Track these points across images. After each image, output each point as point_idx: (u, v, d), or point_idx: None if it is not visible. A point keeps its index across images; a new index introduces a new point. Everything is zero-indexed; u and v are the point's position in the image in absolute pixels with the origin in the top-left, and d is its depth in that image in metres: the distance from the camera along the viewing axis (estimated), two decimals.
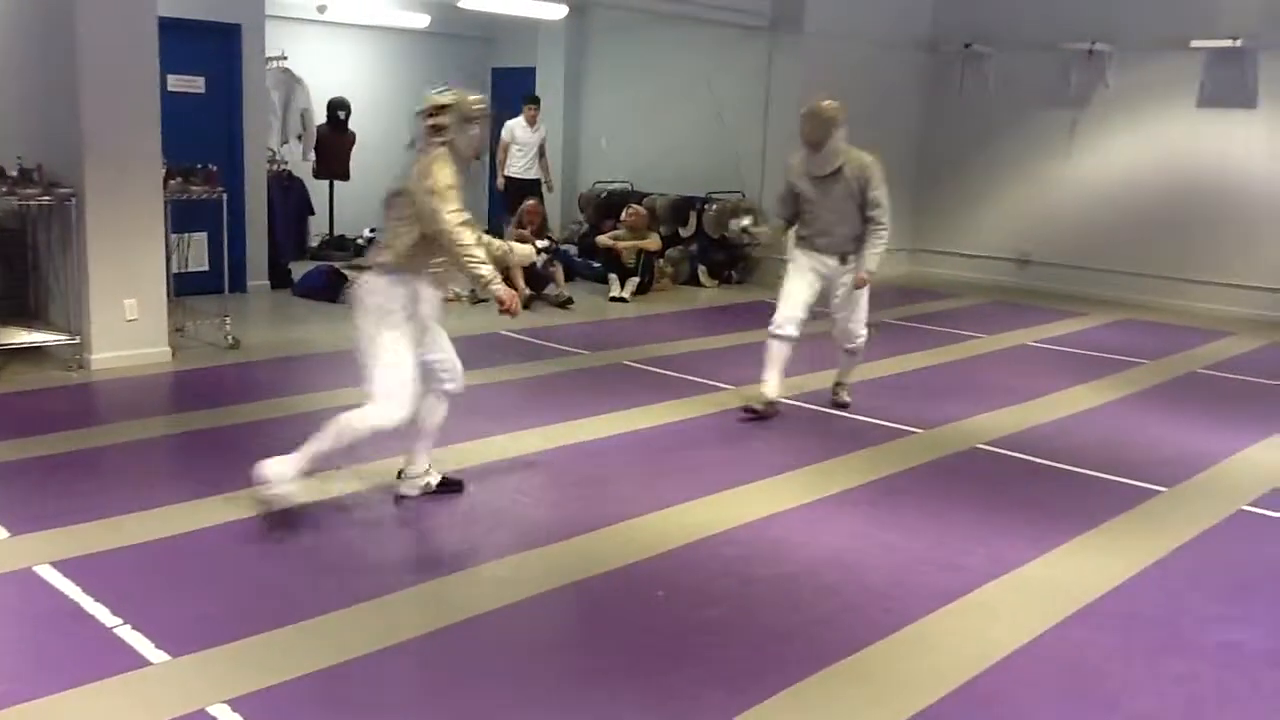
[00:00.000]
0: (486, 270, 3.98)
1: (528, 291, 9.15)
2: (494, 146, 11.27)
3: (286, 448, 4.14)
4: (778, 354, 5.92)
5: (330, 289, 8.85)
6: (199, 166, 7.39)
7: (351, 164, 11.28)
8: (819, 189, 5.79)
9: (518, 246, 4.83)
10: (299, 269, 9.54)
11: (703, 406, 6.18)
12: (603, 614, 3.67)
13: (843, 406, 6.28)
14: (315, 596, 3.62)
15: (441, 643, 3.39)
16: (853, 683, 3.23)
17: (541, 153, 10.84)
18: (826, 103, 5.70)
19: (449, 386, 4.40)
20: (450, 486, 4.61)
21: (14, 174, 6.40)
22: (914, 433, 5.87)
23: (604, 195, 11.54)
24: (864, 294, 5.95)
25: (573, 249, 10.82)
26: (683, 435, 5.68)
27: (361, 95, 11.72)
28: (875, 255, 5.81)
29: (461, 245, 3.93)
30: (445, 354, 4.35)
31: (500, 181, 10.83)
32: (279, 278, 9.39)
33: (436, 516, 4.45)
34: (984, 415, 6.24)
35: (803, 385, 6.62)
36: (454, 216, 3.92)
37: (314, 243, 11.02)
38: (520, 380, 6.61)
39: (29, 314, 6.72)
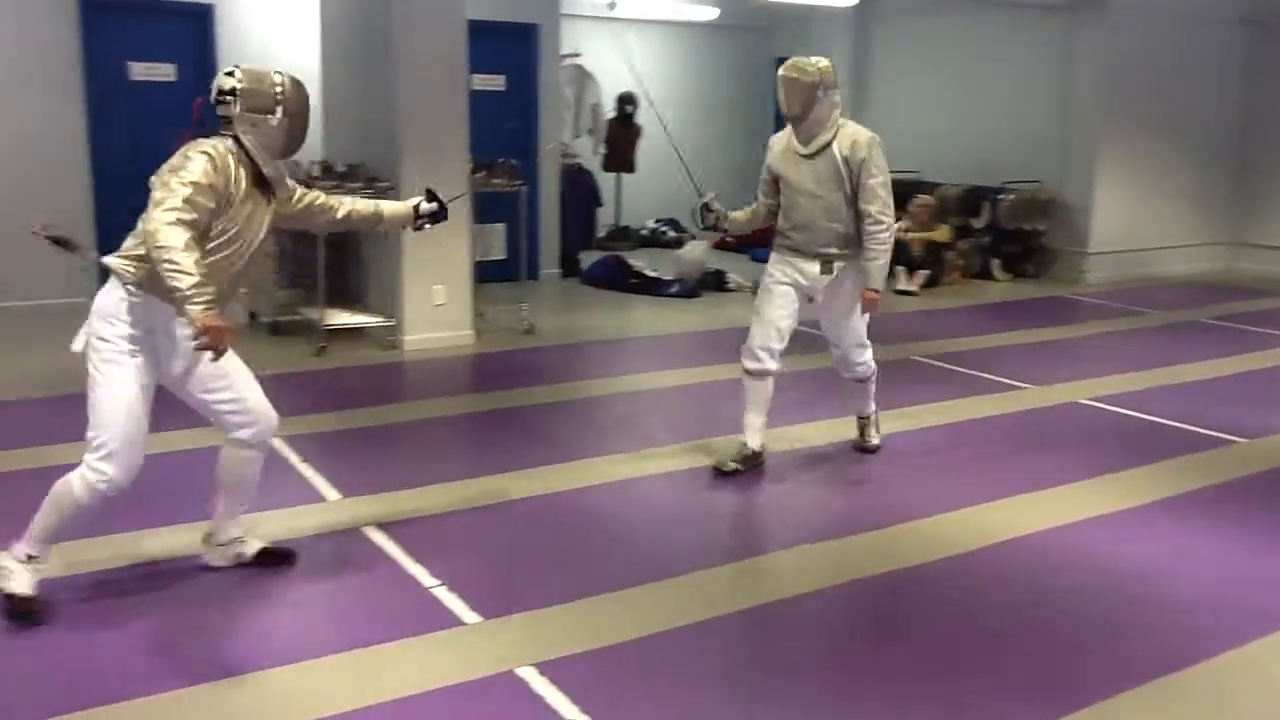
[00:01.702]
0: (185, 283, 2.91)
1: None
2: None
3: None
4: (755, 393, 4.82)
5: (616, 278, 9.23)
6: (500, 161, 7.82)
7: (637, 157, 11.59)
8: (801, 171, 4.69)
9: (386, 205, 3.94)
10: (587, 258, 9.92)
11: (998, 405, 5.93)
12: (890, 613, 3.61)
13: (869, 450, 5.13)
14: (614, 572, 3.76)
15: (730, 626, 3.45)
16: (1160, 708, 3.03)
17: None
18: (808, 61, 4.57)
19: (242, 434, 3.44)
20: (274, 558, 3.71)
21: (341, 170, 7.02)
22: (1234, 441, 5.40)
23: (890, 185, 11.27)
24: (859, 312, 4.80)
25: None
26: (977, 434, 5.49)
27: (648, 89, 11.98)
28: (879, 266, 4.65)
29: (160, 246, 2.94)
30: (235, 393, 3.40)
31: None
32: (569, 267, 9.81)
33: (729, 504, 4.53)
34: None
35: (1111, 386, 6.25)
36: (167, 214, 2.99)
37: (601, 233, 11.41)
38: (807, 372, 6.57)
39: (351, 298, 7.34)
